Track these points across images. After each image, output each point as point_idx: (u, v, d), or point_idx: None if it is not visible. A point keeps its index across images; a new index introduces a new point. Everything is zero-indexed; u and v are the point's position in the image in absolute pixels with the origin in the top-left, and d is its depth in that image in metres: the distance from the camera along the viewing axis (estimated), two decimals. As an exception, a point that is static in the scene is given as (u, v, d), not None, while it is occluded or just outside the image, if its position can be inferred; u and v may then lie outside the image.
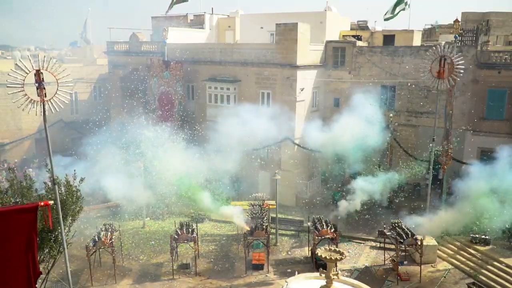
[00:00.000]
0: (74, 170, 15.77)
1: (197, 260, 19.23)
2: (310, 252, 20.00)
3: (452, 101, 22.03)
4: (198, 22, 34.65)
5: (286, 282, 13.37)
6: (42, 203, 8.30)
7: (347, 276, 16.83)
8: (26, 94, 11.62)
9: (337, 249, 12.07)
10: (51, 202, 8.99)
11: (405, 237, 18.13)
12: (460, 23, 24.37)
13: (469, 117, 24.19)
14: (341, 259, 11.73)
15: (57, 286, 17.38)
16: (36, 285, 8.56)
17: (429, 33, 34.80)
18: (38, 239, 9.20)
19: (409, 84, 25.45)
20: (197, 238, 19.33)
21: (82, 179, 15.51)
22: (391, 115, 24.51)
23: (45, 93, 11.79)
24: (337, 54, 27.52)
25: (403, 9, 30.19)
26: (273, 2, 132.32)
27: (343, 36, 30.33)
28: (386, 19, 30.59)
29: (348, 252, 20.17)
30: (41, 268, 10.91)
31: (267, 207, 21.58)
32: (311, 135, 24.19)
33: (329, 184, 26.46)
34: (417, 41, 29.05)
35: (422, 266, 17.99)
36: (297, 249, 21.06)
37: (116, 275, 18.21)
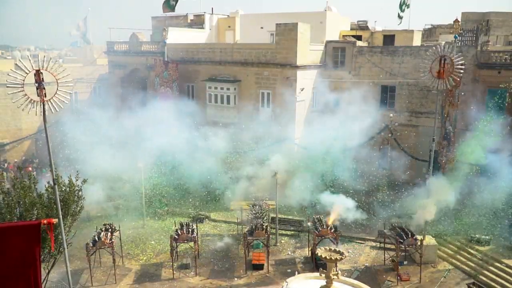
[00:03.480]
0: (77, 171, 15.80)
1: (197, 260, 19.22)
2: (310, 252, 19.99)
3: (454, 101, 21.99)
4: (198, 22, 34.63)
5: (286, 282, 13.37)
6: (45, 221, 7.91)
7: (347, 276, 16.83)
8: (26, 94, 11.60)
9: (337, 249, 12.07)
10: (55, 220, 8.39)
11: (405, 237, 18.12)
12: (460, 23, 24.38)
13: (468, 117, 24.13)
14: (341, 259, 11.75)
15: (57, 286, 17.37)
16: None
17: (429, 33, 34.82)
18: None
19: (409, 84, 25.45)
20: (197, 238, 19.32)
21: (84, 180, 15.53)
22: (391, 115, 24.50)
23: (45, 93, 11.78)
24: (337, 54, 27.50)
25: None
26: (273, 2, 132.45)
27: (343, 36, 30.35)
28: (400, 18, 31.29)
29: (348, 252, 20.15)
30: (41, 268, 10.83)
31: (267, 207, 21.58)
32: (311, 135, 24.16)
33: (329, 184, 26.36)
34: (417, 41, 29.06)
35: (422, 266, 17.98)
36: (297, 249, 21.05)
37: (116, 275, 18.19)
